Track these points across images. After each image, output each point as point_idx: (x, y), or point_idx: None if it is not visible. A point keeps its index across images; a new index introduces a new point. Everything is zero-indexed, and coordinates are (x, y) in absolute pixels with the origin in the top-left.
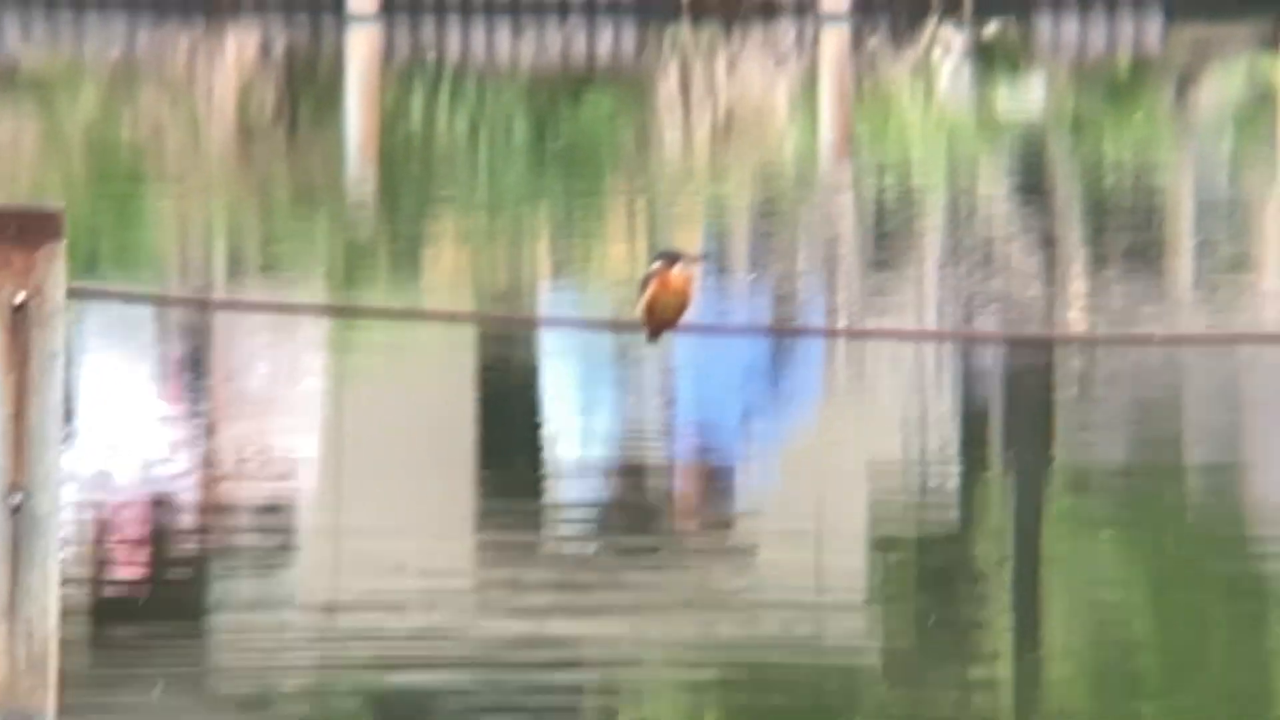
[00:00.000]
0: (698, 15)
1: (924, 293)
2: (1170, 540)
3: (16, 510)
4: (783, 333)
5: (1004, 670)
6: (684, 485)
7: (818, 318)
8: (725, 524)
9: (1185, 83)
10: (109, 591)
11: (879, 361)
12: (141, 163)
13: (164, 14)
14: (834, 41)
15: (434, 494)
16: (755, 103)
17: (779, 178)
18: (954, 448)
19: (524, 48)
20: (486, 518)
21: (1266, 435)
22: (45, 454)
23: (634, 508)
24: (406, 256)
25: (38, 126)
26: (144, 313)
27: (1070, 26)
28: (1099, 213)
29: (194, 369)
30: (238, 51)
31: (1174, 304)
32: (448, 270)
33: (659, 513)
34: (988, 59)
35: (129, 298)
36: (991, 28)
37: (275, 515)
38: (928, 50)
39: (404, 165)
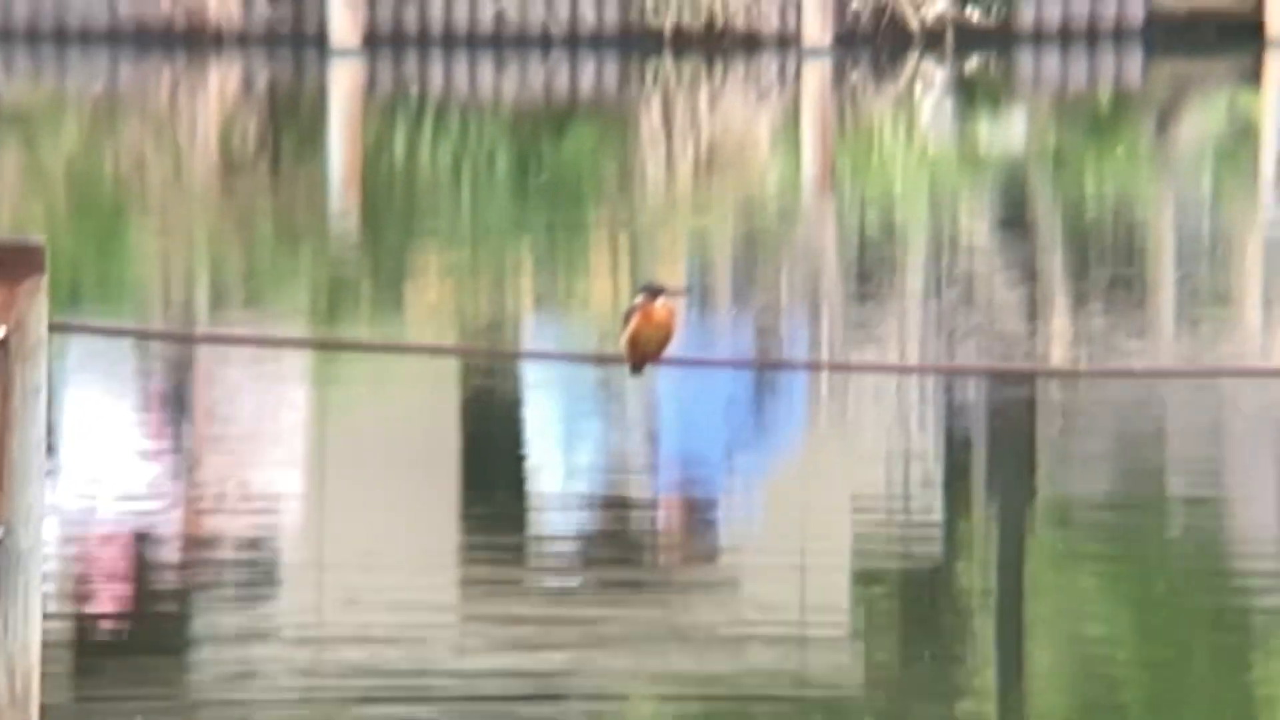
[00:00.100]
0: (680, 48)
1: (906, 326)
2: (1153, 574)
3: None
4: (766, 366)
5: (988, 704)
6: (667, 518)
7: (800, 351)
8: (708, 557)
9: (1166, 117)
10: (92, 626)
11: (862, 395)
12: (124, 197)
13: (146, 48)
14: (816, 75)
15: (417, 527)
16: (737, 136)
17: (761, 211)
18: (937, 481)
19: (506, 81)
20: (470, 551)
21: (1248, 468)
22: (27, 488)
23: (617, 541)
24: (389, 290)
25: (19, 160)
26: (126, 347)
27: (1051, 61)
28: (1081, 247)
29: (176, 403)
30: (220, 85)
31: (1156, 338)
32: (431, 303)
33: (642, 546)
34: (969, 93)
35: (111, 332)
36: (973, 62)
37: (258, 549)
38: (910, 84)
39: (387, 199)
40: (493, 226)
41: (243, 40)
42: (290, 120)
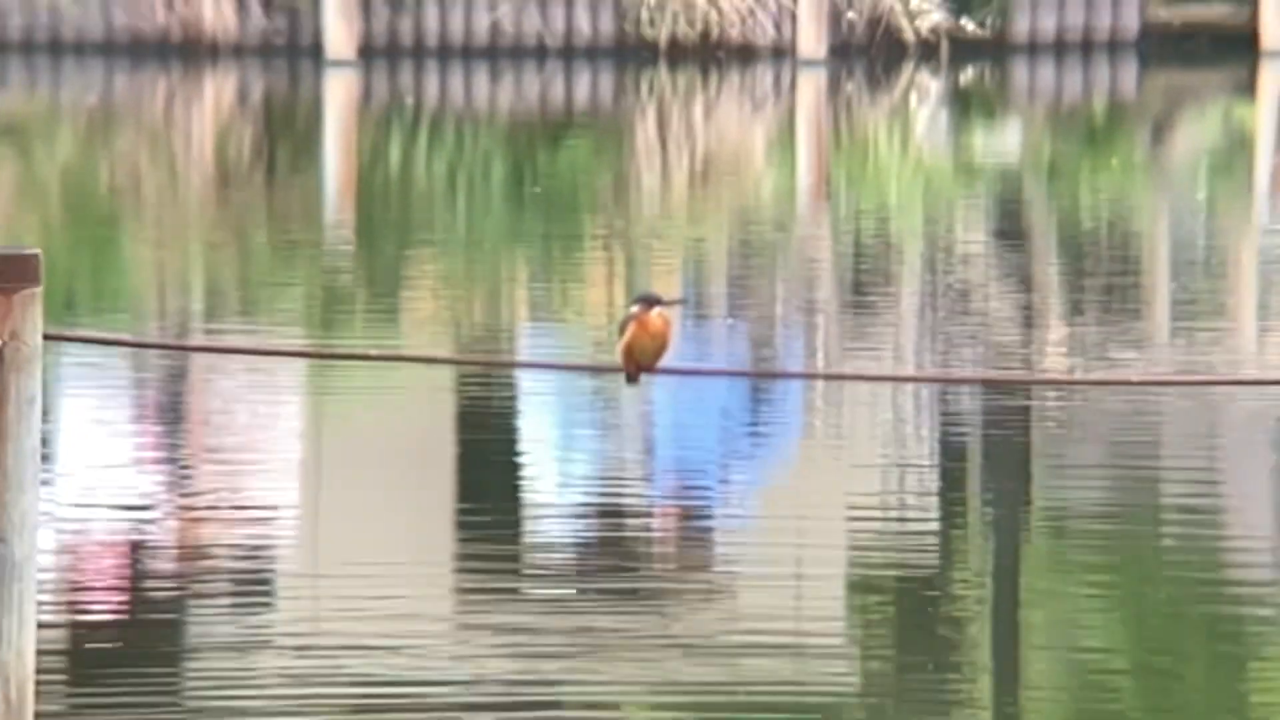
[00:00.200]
0: (675, 59)
1: (902, 336)
2: (1149, 583)
3: None
4: (761, 376)
5: (984, 713)
6: (663, 527)
7: (796, 361)
8: (704, 566)
9: (1160, 128)
10: (87, 635)
11: (857, 405)
12: (119, 208)
13: (141, 59)
14: (811, 86)
15: (413, 536)
16: (733, 147)
17: (756, 221)
18: (932, 490)
19: (502, 92)
20: (466, 560)
21: (1243, 478)
22: (22, 498)
23: (613, 550)
24: (384, 300)
25: (15, 171)
26: (121, 357)
27: (1046, 72)
28: (1076, 257)
29: (171, 413)
30: (215, 96)
31: (1151, 347)
32: (426, 314)
33: (638, 555)
34: (964, 104)
35: (106, 343)
36: (968, 73)
37: (253, 558)
38: (904, 95)
39: (382, 209)
40: (488, 237)
41: (238, 51)
42: (285, 131)
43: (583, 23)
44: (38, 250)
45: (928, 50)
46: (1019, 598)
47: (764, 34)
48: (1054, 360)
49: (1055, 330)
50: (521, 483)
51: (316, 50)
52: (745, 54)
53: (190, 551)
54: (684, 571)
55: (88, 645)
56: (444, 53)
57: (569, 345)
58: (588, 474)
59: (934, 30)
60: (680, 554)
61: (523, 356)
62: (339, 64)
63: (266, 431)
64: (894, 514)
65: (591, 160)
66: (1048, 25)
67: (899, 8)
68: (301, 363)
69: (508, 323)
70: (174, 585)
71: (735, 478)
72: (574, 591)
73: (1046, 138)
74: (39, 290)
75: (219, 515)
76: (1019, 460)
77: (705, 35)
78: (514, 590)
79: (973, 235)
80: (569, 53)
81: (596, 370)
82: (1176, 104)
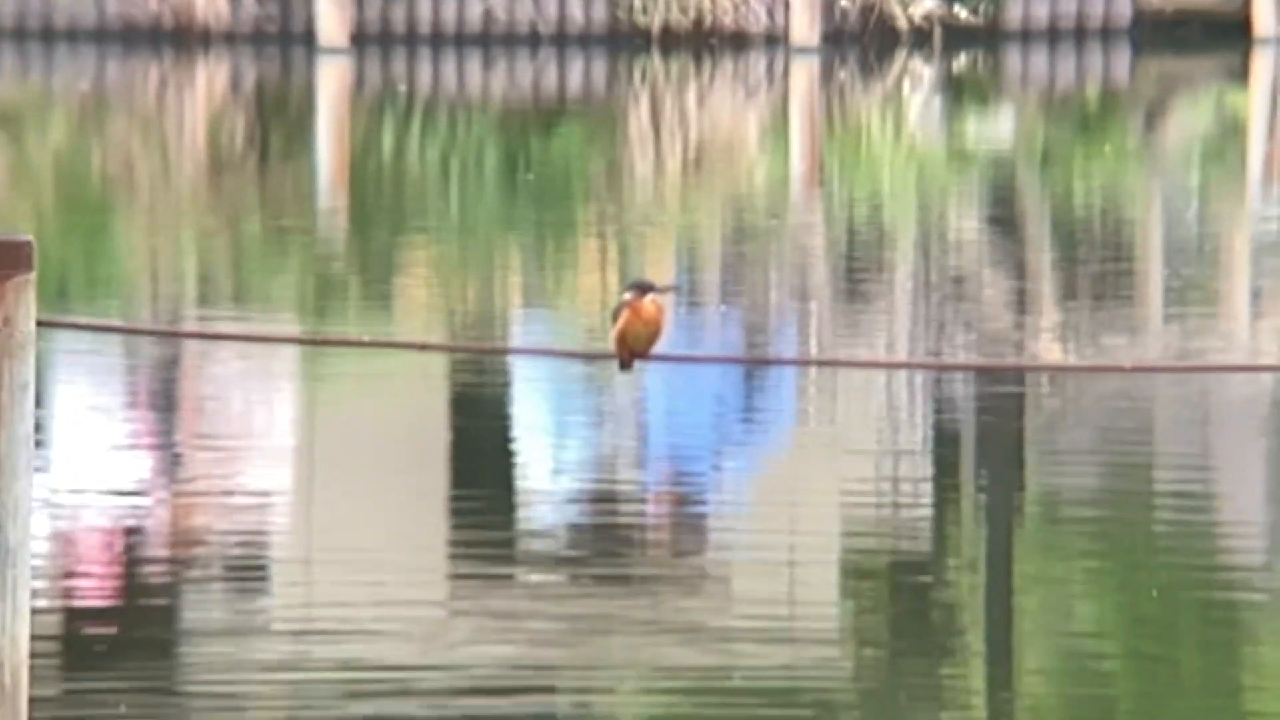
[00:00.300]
0: (668, 47)
1: (895, 322)
2: (1142, 568)
3: None
4: (754, 362)
5: (976, 698)
6: (656, 513)
7: (789, 347)
8: (697, 552)
9: (1154, 115)
10: (80, 621)
11: (850, 391)
12: (112, 194)
13: (133, 46)
14: (804, 74)
15: (406, 522)
16: (726, 134)
17: (749, 208)
18: (925, 476)
19: (495, 79)
20: (458, 546)
21: (1235, 463)
22: (15, 484)
23: (606, 536)
24: (377, 286)
25: (7, 158)
26: (114, 343)
27: (1039, 59)
28: (1069, 243)
29: (164, 399)
30: (208, 83)
31: (1144, 333)
32: (419, 300)
33: (631, 541)
34: (957, 91)
35: (99, 329)
36: (961, 60)
37: (246, 544)
38: (897, 83)
39: (375, 196)
40: (481, 224)
41: (230, 39)
42: (278, 119)
43: (576, 10)
44: (30, 237)
45: (921, 37)
46: (1012, 583)
47: (757, 21)
48: (1046, 346)
49: (1048, 316)
50: (514, 469)
51: (309, 37)
52: (738, 41)
53: (184, 537)
54: (677, 557)
55: (82, 631)
56: (437, 40)
57: (562, 332)
58: (581, 460)
59: (927, 17)
60: (673, 540)
61: (516, 343)
62: (332, 51)
63: (259, 418)
64: (887, 500)
65: (584, 147)
66: (1040, 12)
67: None
68: (294, 349)
69: (501, 309)
70: (168, 571)
71: (728, 464)
72: (566, 577)
73: (1039, 125)
74: (32, 276)
75: (212, 501)
76: (1012, 446)
77: (698, 22)
78: (507, 576)
79: (966, 222)
80: (562, 40)
81: (590, 357)
82: (1169, 91)
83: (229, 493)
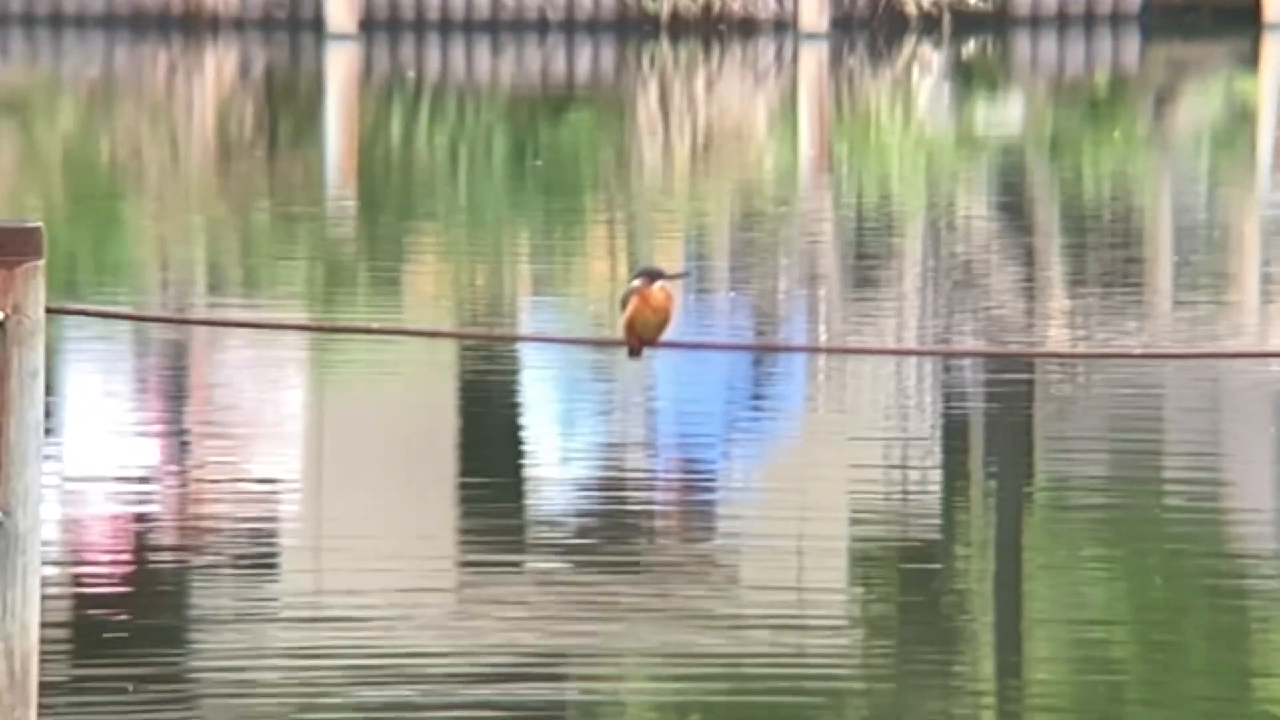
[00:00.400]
0: (677, 33)
1: (904, 309)
2: (1151, 554)
3: None
4: (763, 349)
5: (985, 684)
6: (664, 501)
7: (799, 334)
8: (705, 539)
9: (1163, 101)
10: (90, 608)
11: (860, 377)
12: (121, 181)
13: (142, 32)
14: (813, 60)
15: (415, 509)
16: (734, 120)
17: (758, 195)
18: (934, 463)
19: (503, 65)
20: (467, 533)
21: (1245, 450)
22: (25, 471)
23: (615, 522)
24: (386, 273)
25: (17, 144)
26: (123, 330)
27: (1048, 45)
28: (1078, 230)
29: (173, 386)
30: (216, 70)
31: (1153, 319)
32: (428, 287)
33: (640, 528)
34: (966, 77)
35: (108, 316)
36: (970, 46)
37: (255, 531)
38: (906, 69)
39: (384, 183)
40: (490, 211)
41: (239, 25)
42: (287, 105)
43: None
44: (40, 223)
45: (930, 23)
46: (1021, 570)
47: (765, 7)
48: (1056, 333)
49: (1057, 303)
50: (523, 456)
51: (318, 23)
52: (747, 27)
53: (193, 524)
54: (685, 544)
55: (91, 618)
56: (445, 26)
57: (571, 319)
58: (589, 448)
59: (936, 3)
60: (682, 527)
61: (525, 330)
62: (340, 37)
63: (268, 405)
64: (896, 487)
65: (593, 134)
66: None
67: None
68: (303, 336)
69: (509, 296)
70: (177, 558)
71: (737, 451)
72: (575, 564)
73: (1049, 110)
74: (41, 263)
75: (221, 488)
76: (1021, 433)
77: (707, 9)
78: (515, 563)
79: (975, 209)
80: (570, 26)
81: (598, 344)
82: (1179, 77)
83: (238, 480)
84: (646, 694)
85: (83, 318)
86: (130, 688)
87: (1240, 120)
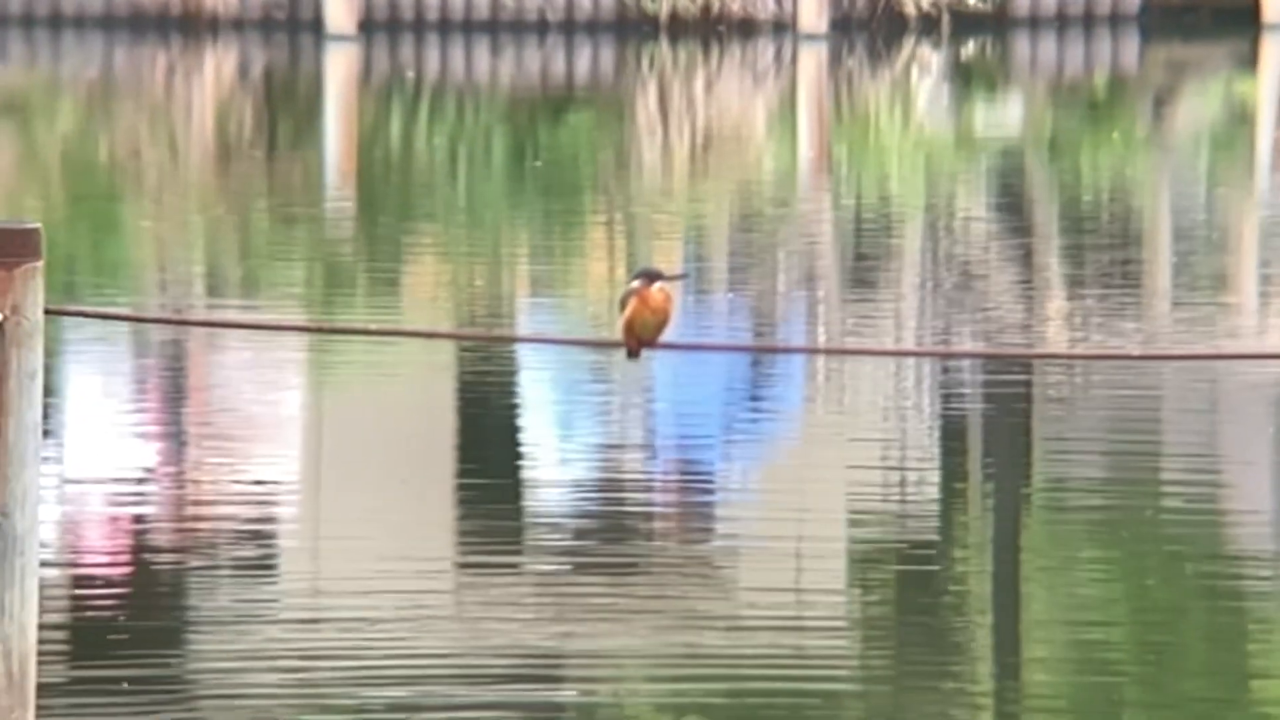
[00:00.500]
0: (676, 34)
1: (903, 310)
2: (1149, 555)
3: None
4: (762, 350)
5: (984, 685)
6: (663, 502)
7: (797, 335)
8: (704, 540)
9: (1162, 102)
10: (88, 609)
11: (858, 378)
12: (120, 182)
13: (141, 33)
14: (812, 60)
15: (414, 510)
16: (734, 121)
17: (757, 196)
18: (933, 464)
19: (502, 66)
20: (466, 533)
21: (1243, 450)
22: (24, 472)
23: (613, 523)
24: (385, 274)
25: (15, 146)
26: (122, 331)
27: (1048, 46)
28: (1077, 231)
29: (172, 387)
30: (216, 71)
31: (1152, 321)
32: (427, 288)
33: (638, 529)
34: (965, 78)
35: (107, 317)
36: (969, 47)
37: (254, 532)
38: (905, 70)
39: (383, 183)
40: (489, 212)
41: (238, 25)
42: (286, 106)
43: None
44: (38, 224)
45: (929, 24)
46: (1019, 571)
47: (765, 8)
48: (1054, 334)
49: (1056, 304)
50: (522, 458)
51: (317, 24)
52: (746, 28)
53: (191, 525)
54: (684, 546)
55: (90, 619)
56: (445, 27)
57: (570, 320)
58: (588, 449)
59: (935, 4)
60: (680, 529)
61: (523, 331)
62: (339, 38)
63: (267, 406)
64: (895, 488)
65: (592, 135)
66: None
67: None
68: (302, 338)
69: (508, 297)
70: (175, 559)
71: (736, 452)
72: (574, 566)
73: (1048, 112)
74: (40, 265)
75: (220, 490)
76: (1019, 434)
77: (706, 9)
78: (514, 565)
79: (973, 210)
80: (570, 27)
81: (597, 345)
82: (1178, 77)
83: (236, 481)
84: (645, 695)
85: (81, 319)
86: (125, 685)
87: (1239, 121)
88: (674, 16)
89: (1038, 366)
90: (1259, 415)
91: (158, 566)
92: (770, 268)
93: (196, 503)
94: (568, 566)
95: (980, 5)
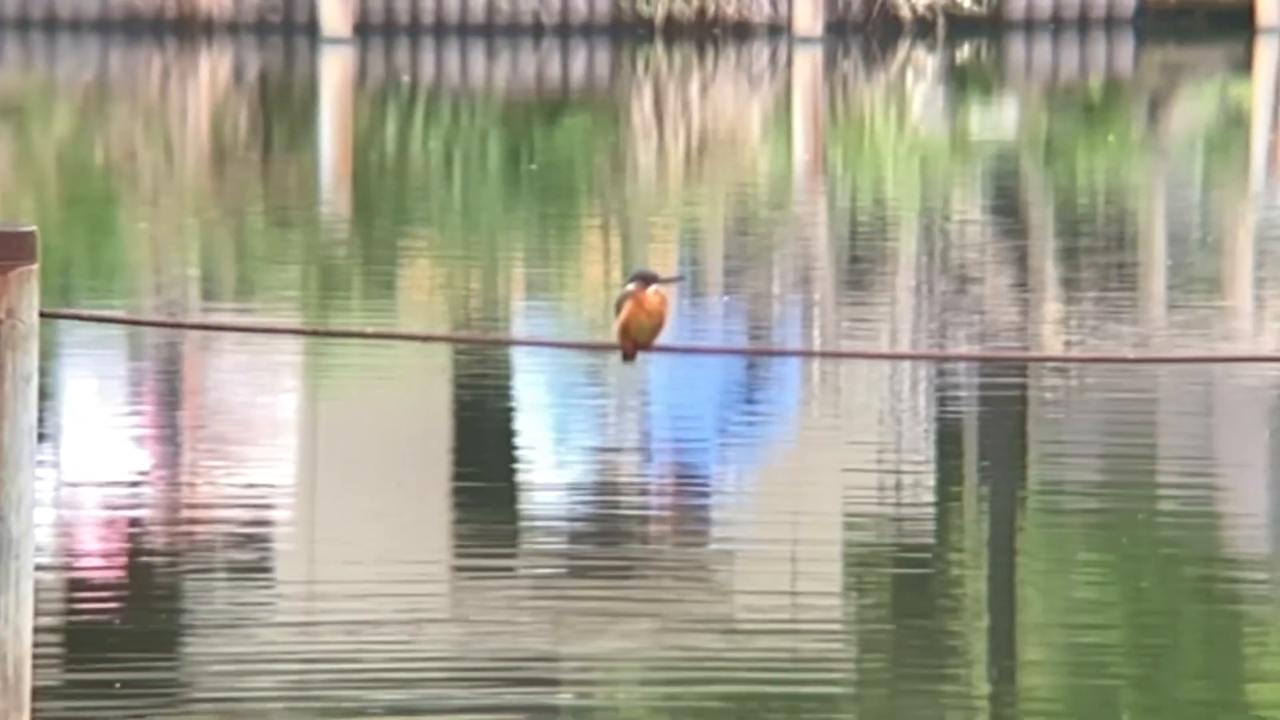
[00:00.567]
0: (671, 37)
1: (898, 313)
2: (1145, 558)
3: None
4: (758, 353)
5: (979, 687)
6: (658, 505)
7: (792, 338)
8: (699, 543)
9: (1157, 105)
10: (83, 612)
11: (853, 382)
12: (115, 185)
13: (137, 36)
14: (807, 63)
15: (410, 513)
16: (729, 124)
17: (753, 199)
18: (928, 467)
19: (498, 69)
20: (461, 536)
21: (1239, 454)
22: (19, 475)
23: (609, 526)
24: (381, 277)
25: (11, 149)
26: (117, 334)
27: (1043, 49)
28: (1072, 234)
29: (167, 390)
30: (211, 74)
31: (1147, 324)
32: (423, 291)
33: (634, 532)
34: (961, 81)
35: (102, 320)
36: (964, 50)
37: (249, 535)
38: (901, 73)
39: (378, 187)
40: (484, 215)
41: (233, 28)
42: (281, 109)
43: (579, 0)
44: (34, 227)
45: (924, 27)
46: (1014, 574)
47: (760, 11)
48: (1050, 337)
49: (1051, 307)
50: (517, 461)
51: (312, 27)
52: (741, 31)
53: (186, 528)
54: (679, 549)
55: (85, 623)
56: (440, 30)
57: (565, 323)
58: (584, 452)
59: (930, 7)
60: (676, 532)
61: (519, 334)
62: (334, 41)
63: (263, 409)
64: (890, 492)
65: (588, 138)
66: (1044, 1)
67: None
68: (298, 341)
69: (504, 300)
70: (171, 562)
71: (731, 455)
72: (569, 569)
73: (1043, 114)
74: (35, 267)
75: (215, 493)
76: (1015, 437)
77: (701, 12)
78: (510, 568)
79: (969, 213)
80: (565, 30)
81: (593, 348)
82: (1173, 80)
83: (232, 484)
84: (640, 698)
85: (77, 322)
86: (117, 685)
87: (1234, 124)
88: (669, 19)
89: (1033, 369)
90: (1254, 418)
91: (153, 570)
92: (765, 271)
93: (192, 506)
94: (564, 569)
95: (975, 8)
